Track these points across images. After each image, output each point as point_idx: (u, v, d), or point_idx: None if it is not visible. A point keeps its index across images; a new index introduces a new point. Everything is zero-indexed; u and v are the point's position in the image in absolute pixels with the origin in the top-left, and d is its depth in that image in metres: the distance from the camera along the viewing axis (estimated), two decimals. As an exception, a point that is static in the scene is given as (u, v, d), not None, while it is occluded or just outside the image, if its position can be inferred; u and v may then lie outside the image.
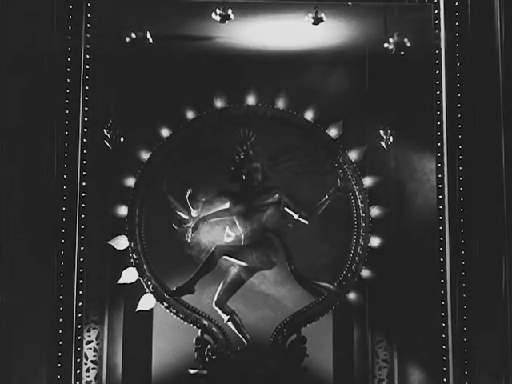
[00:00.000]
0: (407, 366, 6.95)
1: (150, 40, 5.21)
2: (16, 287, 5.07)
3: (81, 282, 5.43)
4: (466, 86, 5.35)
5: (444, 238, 5.59)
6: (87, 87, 5.42)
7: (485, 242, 5.31)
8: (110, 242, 6.69)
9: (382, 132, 6.03)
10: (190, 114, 6.73)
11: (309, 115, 6.76)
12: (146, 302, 6.64)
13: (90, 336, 6.52)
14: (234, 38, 6.14)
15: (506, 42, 5.23)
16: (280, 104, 6.75)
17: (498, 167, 5.28)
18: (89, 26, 5.33)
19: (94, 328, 6.79)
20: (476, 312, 5.25)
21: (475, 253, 5.34)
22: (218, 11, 5.20)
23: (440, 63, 5.43)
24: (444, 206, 5.60)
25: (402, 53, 5.07)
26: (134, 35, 5.15)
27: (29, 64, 5.20)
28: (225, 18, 5.18)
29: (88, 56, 5.35)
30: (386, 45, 5.25)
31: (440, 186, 5.62)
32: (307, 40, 6.09)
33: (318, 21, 5.21)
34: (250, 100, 6.75)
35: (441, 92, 5.43)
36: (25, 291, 5.11)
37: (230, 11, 5.09)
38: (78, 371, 5.35)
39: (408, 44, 5.12)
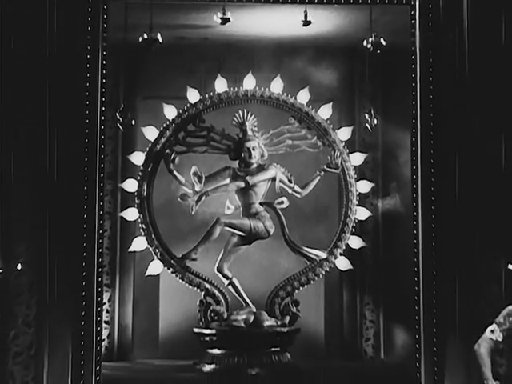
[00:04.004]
0: (391, 326, 7.64)
1: (160, 40, 5.82)
2: (44, 257, 5.66)
3: (100, 251, 5.93)
4: (438, 79, 5.94)
5: (417, 206, 6.09)
6: (104, 80, 5.95)
7: (453, 204, 5.87)
8: (121, 214, 7.26)
9: (366, 115, 6.59)
10: (193, 97, 7.10)
11: (302, 97, 7.13)
12: (154, 267, 7.09)
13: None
14: (233, 27, 6.40)
15: (472, 38, 5.82)
16: (275, 87, 7.12)
17: (464, 145, 5.87)
18: (105, 26, 5.89)
19: (106, 291, 7.39)
20: (445, 276, 5.85)
21: (444, 220, 5.93)
22: (219, 14, 5.87)
23: (415, 58, 6.01)
24: (417, 178, 6.09)
25: (379, 51, 5.79)
26: (145, 36, 5.80)
27: (55, 59, 5.74)
28: (225, 21, 5.88)
29: (104, 52, 5.90)
30: (365, 43, 5.95)
31: (414, 158, 6.13)
32: (301, 28, 6.38)
33: (307, 23, 5.88)
34: (248, 84, 7.13)
35: (416, 83, 6.02)
36: (52, 260, 5.66)
37: (229, 14, 5.79)
38: (99, 328, 5.91)
39: (384, 43, 5.81)
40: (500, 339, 3.64)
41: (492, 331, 3.65)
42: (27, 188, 5.66)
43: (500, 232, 5.43)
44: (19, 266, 5.26)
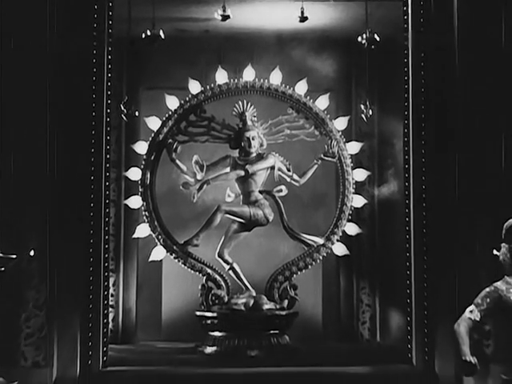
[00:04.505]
0: (387, 310, 7.78)
1: (162, 36, 6.04)
2: (54, 244, 5.92)
3: (106, 237, 6.16)
4: (430, 72, 6.17)
5: (408, 194, 6.32)
6: (110, 74, 6.17)
7: (444, 192, 6.12)
8: (125, 202, 7.42)
9: (362, 106, 6.81)
10: (195, 88, 7.24)
11: (300, 88, 7.28)
12: (157, 253, 7.23)
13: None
14: (233, 20, 6.53)
15: (463, 33, 6.06)
16: (274, 79, 7.27)
17: (455, 136, 6.12)
18: (110, 22, 6.11)
19: (110, 276, 7.41)
20: (436, 262, 6.10)
21: (435, 208, 6.16)
22: (219, 12, 6.10)
23: (408, 53, 6.26)
24: (409, 168, 6.32)
25: (373, 47, 6.02)
26: (148, 32, 6.01)
27: (63, 55, 5.98)
28: (225, 18, 6.12)
29: (110, 48, 6.13)
30: (359, 39, 6.19)
31: (406, 148, 6.35)
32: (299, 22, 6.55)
33: (303, 19, 6.10)
34: (248, 75, 7.27)
35: (408, 77, 6.27)
36: (61, 247, 5.94)
37: (229, 10, 6.03)
38: (106, 311, 6.14)
39: (378, 39, 6.03)
40: (478, 319, 3.94)
41: (471, 311, 3.94)
42: (38, 179, 5.88)
43: (488, 219, 5.66)
44: (32, 253, 5.49)
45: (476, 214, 5.92)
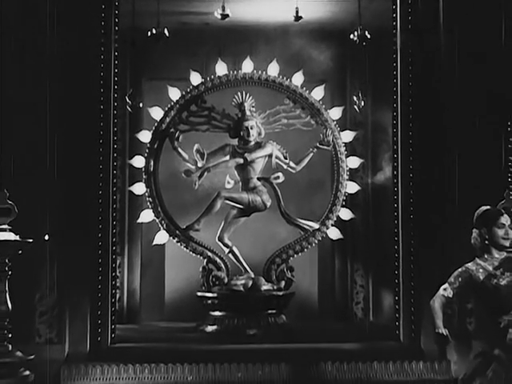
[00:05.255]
0: (379, 290, 8.10)
1: (167, 34, 6.41)
2: (66, 229, 6.29)
3: (114, 223, 6.49)
4: (417, 64, 6.56)
5: (397, 182, 6.70)
6: (116, 70, 6.48)
7: (430, 179, 6.51)
8: (130, 188, 7.69)
9: (355, 97, 7.23)
10: (196, 80, 7.51)
11: (296, 80, 7.55)
12: (161, 237, 7.48)
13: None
14: (232, 13, 6.88)
15: (446, 25, 6.49)
16: (272, 70, 7.54)
17: (440, 126, 6.52)
18: (117, 20, 6.43)
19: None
20: (422, 245, 6.50)
21: (422, 195, 6.53)
22: (219, 11, 6.45)
23: (396, 47, 6.64)
24: (398, 157, 6.70)
25: (364, 43, 6.45)
26: (154, 31, 6.37)
27: (73, 52, 6.33)
28: (224, 17, 6.48)
29: (116, 45, 6.46)
30: (351, 36, 6.58)
31: (395, 138, 6.74)
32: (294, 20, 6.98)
33: (298, 19, 6.49)
34: (247, 67, 7.53)
35: (396, 67, 6.65)
36: (72, 231, 6.29)
37: (228, 11, 6.41)
38: (114, 291, 6.50)
39: (369, 36, 6.41)
40: (451, 296, 4.39)
41: (444, 289, 4.35)
42: (50, 168, 6.22)
43: (473, 204, 5.97)
44: (46, 237, 5.88)
45: (461, 200, 6.29)
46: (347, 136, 7.76)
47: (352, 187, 7.72)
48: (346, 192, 7.63)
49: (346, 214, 7.69)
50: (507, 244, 4.39)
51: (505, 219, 4.40)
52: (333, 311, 8.55)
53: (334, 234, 7.69)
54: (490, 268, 4.36)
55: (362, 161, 7.86)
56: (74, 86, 6.40)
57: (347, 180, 7.64)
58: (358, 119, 8.37)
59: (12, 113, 6.23)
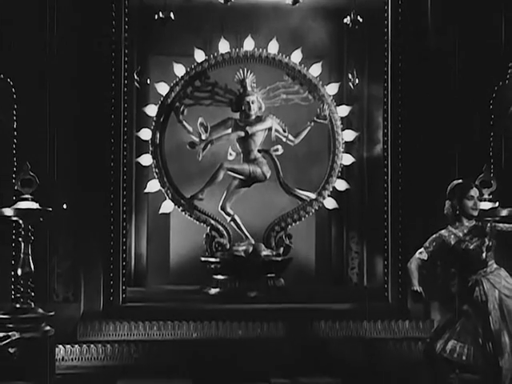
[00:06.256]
0: (373, 256, 8.54)
1: (173, 17, 6.92)
2: (81, 199, 6.84)
3: (125, 193, 7.02)
4: (407, 45, 7.10)
5: (387, 155, 7.23)
6: (126, 50, 6.99)
7: (418, 152, 7.04)
8: (137, 160, 8.08)
9: (350, 75, 7.74)
10: (200, 57, 7.91)
11: (295, 57, 7.96)
12: (166, 206, 7.91)
13: (121, 232, 7.62)
14: None
15: (432, 11, 7.03)
16: (272, 48, 7.93)
17: (428, 102, 7.00)
18: (127, 8, 6.96)
19: None
20: (409, 214, 7.09)
21: (410, 167, 7.06)
22: None
23: (387, 30, 7.16)
24: (388, 132, 7.23)
25: (357, 27, 6.99)
26: (161, 14, 6.87)
27: (89, 34, 6.85)
28: (227, 1, 7.00)
29: (127, 26, 6.97)
30: (345, 20, 7.09)
31: (385, 115, 7.27)
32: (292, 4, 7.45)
33: (295, 2, 7.08)
34: (248, 45, 7.93)
35: (388, 48, 7.16)
36: (86, 201, 6.84)
37: None
38: (124, 255, 7.05)
39: (361, 20, 6.96)
40: (426, 258, 4.98)
41: (420, 253, 4.94)
42: (67, 143, 6.82)
43: (455, 175, 6.31)
44: (64, 206, 6.44)
45: (445, 173, 6.73)
46: (343, 110, 8.18)
47: (347, 159, 8.17)
48: (341, 164, 8.07)
49: (341, 184, 8.16)
50: (475, 214, 5.01)
51: (474, 192, 5.03)
52: (329, 276, 9.01)
53: (330, 203, 8.15)
54: (461, 234, 4.99)
55: (357, 134, 8.28)
56: (87, 64, 6.93)
57: (343, 152, 8.07)
58: (353, 94, 8.74)
59: (28, 91, 6.75)
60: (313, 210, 8.13)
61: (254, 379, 6.29)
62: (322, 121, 8.00)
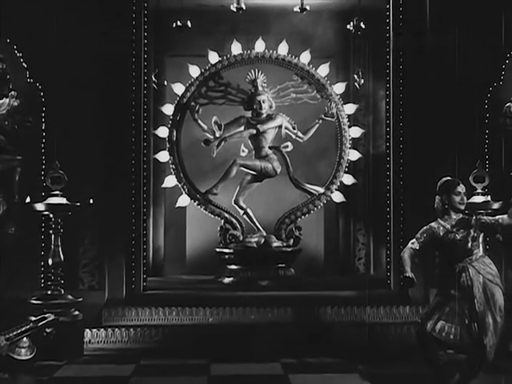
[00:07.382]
0: (379, 247, 8.93)
1: (189, 26, 7.40)
2: (105, 193, 7.36)
3: (145, 189, 7.57)
4: (408, 44, 7.57)
5: (389, 152, 7.72)
6: (146, 56, 7.53)
7: (419, 148, 7.48)
8: (155, 156, 8.53)
9: (355, 76, 8.22)
10: (213, 58, 8.45)
11: (304, 58, 8.45)
12: (183, 200, 8.43)
13: (140, 225, 8.03)
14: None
15: (431, 14, 7.49)
16: (282, 50, 8.41)
17: (427, 97, 7.46)
18: (146, 12, 7.52)
19: None
20: (410, 207, 7.51)
21: (411, 161, 7.50)
22: (234, 4, 7.42)
23: (389, 31, 7.69)
24: (390, 130, 7.71)
25: (359, 32, 7.49)
26: (179, 22, 7.40)
27: (112, 38, 7.35)
28: (239, 10, 7.46)
29: (146, 26, 7.50)
30: (348, 26, 7.59)
31: (387, 114, 7.76)
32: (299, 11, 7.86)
33: (303, 10, 7.51)
34: (259, 47, 8.42)
35: (389, 46, 7.66)
36: (110, 196, 7.36)
37: (242, 4, 7.42)
38: (145, 246, 7.58)
39: (363, 26, 7.44)
40: (417, 248, 5.48)
41: (412, 243, 5.47)
42: (92, 143, 7.39)
43: (454, 167, 6.88)
44: (91, 201, 7.00)
45: (445, 168, 7.08)
46: (350, 108, 8.66)
47: (354, 155, 8.66)
48: (348, 159, 8.55)
49: (348, 179, 8.63)
50: (462, 208, 5.54)
51: (461, 188, 5.60)
52: (337, 266, 9.47)
53: (337, 197, 8.62)
54: (449, 226, 5.54)
55: (363, 131, 8.74)
56: (108, 68, 7.49)
57: (350, 148, 8.55)
58: (360, 93, 9.18)
59: (55, 94, 7.34)
60: (321, 204, 8.58)
61: (264, 360, 6.81)
62: (329, 118, 8.49)
